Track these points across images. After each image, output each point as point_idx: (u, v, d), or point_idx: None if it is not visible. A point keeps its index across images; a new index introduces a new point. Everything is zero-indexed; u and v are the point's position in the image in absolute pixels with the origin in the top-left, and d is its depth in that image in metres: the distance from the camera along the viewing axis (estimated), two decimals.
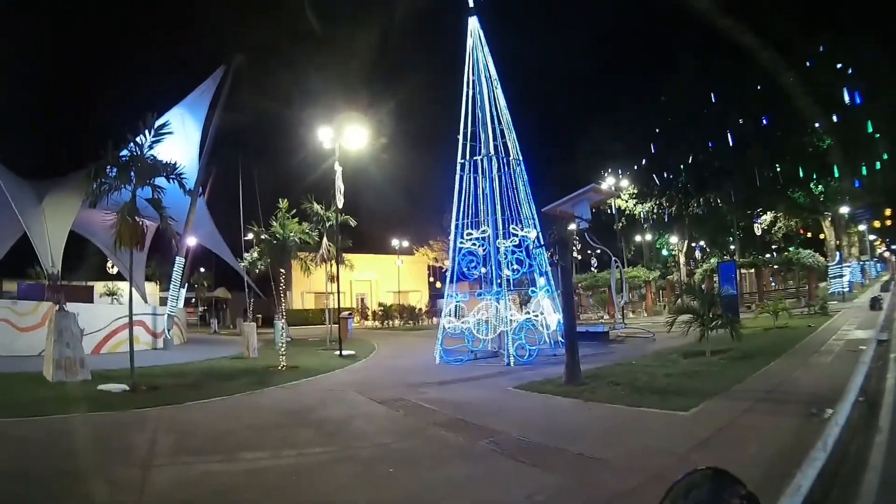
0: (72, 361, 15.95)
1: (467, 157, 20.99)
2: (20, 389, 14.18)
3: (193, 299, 62.66)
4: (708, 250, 69.54)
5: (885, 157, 45.71)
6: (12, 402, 12.28)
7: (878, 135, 44.70)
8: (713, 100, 51.37)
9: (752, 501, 1.62)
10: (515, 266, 20.34)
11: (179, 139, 27.66)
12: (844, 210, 51.55)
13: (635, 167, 59.29)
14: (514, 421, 10.34)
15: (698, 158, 54.23)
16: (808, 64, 45.11)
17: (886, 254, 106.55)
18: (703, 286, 26.39)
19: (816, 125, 46.13)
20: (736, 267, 33.24)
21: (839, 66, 45.27)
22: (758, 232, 60.37)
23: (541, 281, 21.00)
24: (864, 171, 46.89)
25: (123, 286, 46.76)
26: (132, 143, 15.43)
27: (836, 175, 46.60)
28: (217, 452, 8.80)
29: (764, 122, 49.11)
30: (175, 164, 16.09)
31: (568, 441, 8.69)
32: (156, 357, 23.10)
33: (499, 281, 20.00)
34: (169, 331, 29.71)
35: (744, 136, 49.78)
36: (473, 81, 21.10)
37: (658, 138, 57.22)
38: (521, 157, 21.39)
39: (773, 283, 49.73)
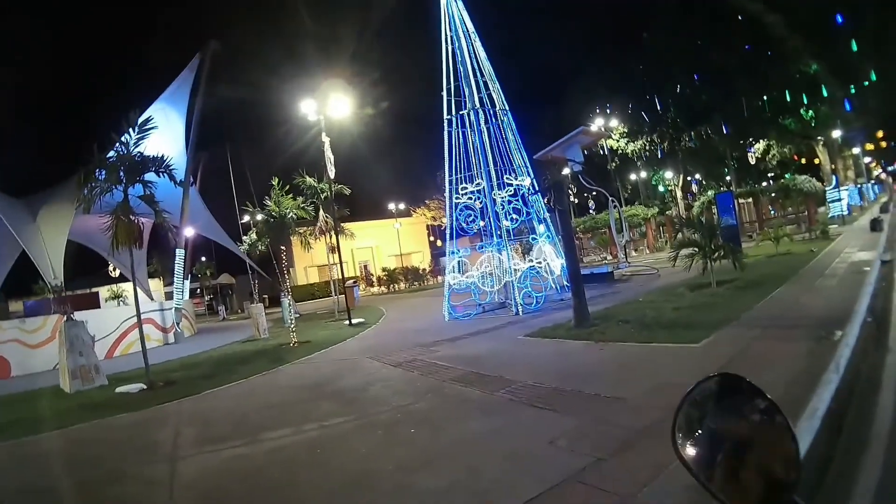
0: (86, 369, 15.90)
1: (454, 113, 20.93)
2: (40, 405, 14.11)
3: (199, 289, 62.66)
4: (704, 183, 69.34)
5: (874, 77, 45.36)
6: (34, 419, 12.22)
7: (863, 56, 44.35)
8: (696, 34, 51.02)
9: (771, 408, 1.58)
10: (513, 216, 20.37)
11: (164, 133, 27.54)
12: (836, 134, 51.40)
13: (625, 106, 59.02)
14: (529, 369, 10.40)
15: (686, 93, 53.93)
16: None
17: (883, 175, 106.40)
18: (702, 218, 26.35)
19: (801, 51, 45.88)
20: (733, 197, 33.25)
21: None
22: (752, 161, 60.19)
23: (540, 228, 21.07)
24: (853, 91, 46.62)
25: (128, 287, 46.69)
26: (118, 143, 15.33)
27: (825, 94, 46.38)
28: (240, 436, 8.81)
29: (748, 50, 48.74)
30: (163, 157, 15.97)
31: (583, 383, 8.73)
32: (169, 352, 23.15)
33: (498, 232, 20.05)
34: (178, 324, 29.71)
35: (729, 68, 49.46)
36: (451, 37, 20.94)
37: (644, 76, 56.91)
38: (507, 107, 21.33)
39: (772, 212, 49.87)
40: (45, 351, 22.10)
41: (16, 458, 9.47)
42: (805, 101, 47.49)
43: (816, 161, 54.06)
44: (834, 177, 48.74)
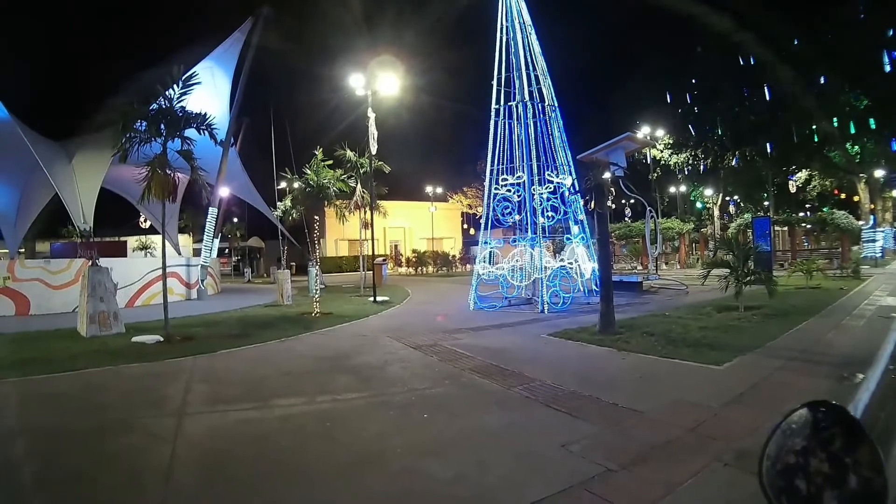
0: (105, 315, 16.07)
1: (502, 103, 20.79)
2: (55, 346, 14.21)
3: (227, 249, 62.96)
4: (742, 205, 68.92)
5: None
6: (47, 359, 12.32)
7: None
8: (751, 54, 50.54)
9: (868, 447, 1.46)
10: (550, 213, 20.19)
11: (209, 92, 27.67)
12: (880, 173, 50.77)
13: (673, 117, 58.65)
14: (549, 368, 10.31)
15: (735, 111, 53.47)
16: (848, 22, 44.40)
17: None
18: (738, 240, 26.11)
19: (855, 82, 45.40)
20: (771, 223, 32.88)
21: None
22: (793, 189, 59.65)
23: (575, 229, 20.91)
24: None
25: (156, 239, 47.14)
26: (161, 97, 15.36)
27: (873, 126, 45.85)
28: (252, 400, 8.81)
29: (802, 75, 48.25)
30: (205, 115, 16.01)
31: (602, 390, 8.62)
32: (190, 307, 23.33)
33: (534, 228, 19.93)
34: (203, 281, 29.86)
35: (781, 92, 48.94)
36: (507, 27, 20.81)
37: (695, 89, 56.49)
38: (556, 104, 21.16)
39: (805, 243, 49.32)
40: (66, 293, 22.43)
41: (23, 396, 9.48)
42: (853, 133, 46.93)
43: (856, 198, 53.41)
44: (872, 216, 48.02)
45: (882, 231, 45.46)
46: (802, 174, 58.22)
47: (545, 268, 19.57)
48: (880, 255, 42.54)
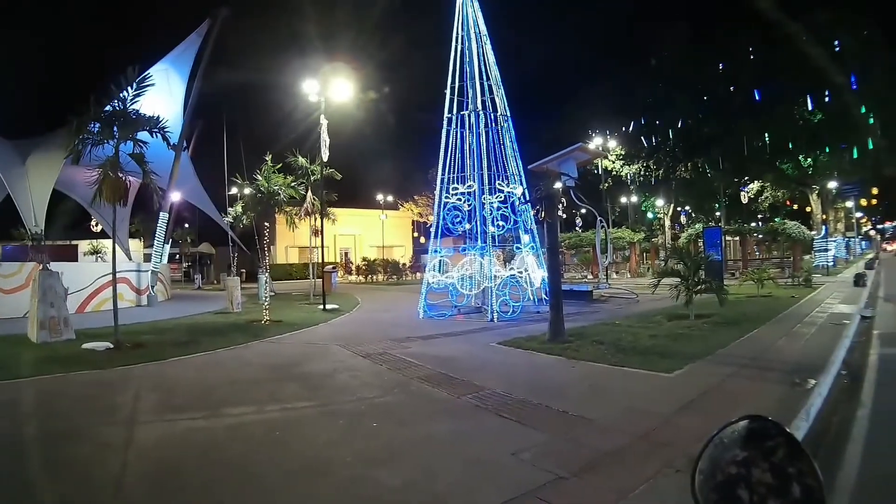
0: (56, 321, 15.75)
1: (454, 112, 20.87)
2: (4, 352, 13.90)
3: (178, 255, 62.19)
4: (693, 215, 69.69)
5: (879, 134, 45.60)
6: None
7: (871, 115, 44.54)
8: (705, 66, 51.12)
9: (803, 459, 1.52)
10: (500, 222, 20.32)
11: (164, 94, 27.35)
12: (832, 185, 51.71)
13: (624, 128, 59.19)
14: (498, 377, 10.35)
15: (688, 123, 54.08)
16: (804, 38, 45.06)
17: (872, 232, 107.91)
18: (688, 250, 26.41)
19: (808, 99, 46.09)
20: (722, 233, 33.34)
21: (836, 43, 44.97)
22: (744, 200, 60.54)
23: (525, 238, 21.04)
24: (856, 153, 46.89)
25: (108, 244, 46.37)
26: (115, 98, 15.19)
27: (827, 150, 46.76)
28: (201, 408, 8.74)
29: (755, 91, 48.87)
30: (158, 117, 15.85)
31: (552, 398, 8.66)
32: (140, 314, 23.02)
33: (483, 237, 20.02)
34: (153, 287, 29.50)
35: (734, 104, 49.59)
36: (462, 36, 20.91)
37: (648, 101, 57.06)
38: (508, 113, 21.29)
39: (756, 252, 49.98)
40: (17, 297, 21.80)
41: None
42: (805, 148, 47.74)
43: (808, 209, 54.46)
44: (824, 227, 48.95)
45: (834, 241, 46.41)
46: (755, 185, 59.05)
47: (495, 276, 19.69)
48: (832, 264, 43.42)
